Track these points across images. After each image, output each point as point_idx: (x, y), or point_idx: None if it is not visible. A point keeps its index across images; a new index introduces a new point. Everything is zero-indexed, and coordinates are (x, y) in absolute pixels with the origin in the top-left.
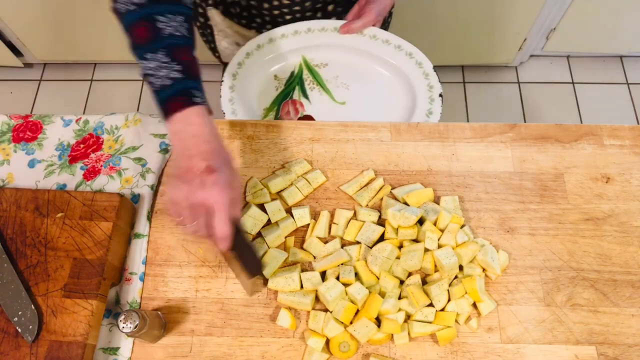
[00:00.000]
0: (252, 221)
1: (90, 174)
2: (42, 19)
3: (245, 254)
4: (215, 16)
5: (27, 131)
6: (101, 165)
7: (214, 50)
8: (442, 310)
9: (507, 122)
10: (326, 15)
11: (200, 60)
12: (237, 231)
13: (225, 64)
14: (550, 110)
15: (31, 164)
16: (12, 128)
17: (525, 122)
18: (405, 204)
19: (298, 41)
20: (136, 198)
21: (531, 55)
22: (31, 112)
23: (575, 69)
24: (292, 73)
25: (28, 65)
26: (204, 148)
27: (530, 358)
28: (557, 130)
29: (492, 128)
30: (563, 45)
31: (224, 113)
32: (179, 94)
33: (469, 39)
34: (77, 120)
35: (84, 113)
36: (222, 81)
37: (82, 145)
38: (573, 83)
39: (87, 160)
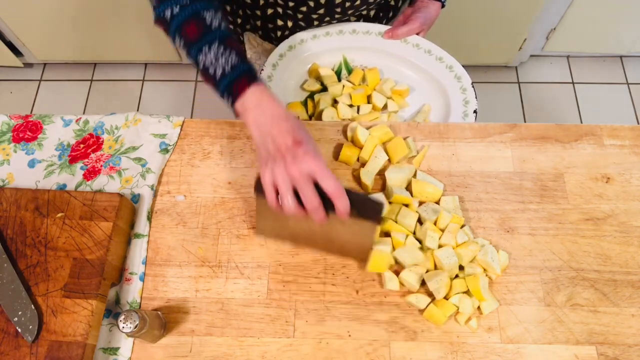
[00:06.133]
0: None
1: (90, 174)
2: (42, 19)
3: (362, 204)
4: (251, 40)
5: (27, 131)
6: (101, 165)
7: None
8: (446, 298)
9: (507, 122)
10: (368, 21)
11: None
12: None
13: None
14: (550, 110)
15: (31, 164)
16: (12, 128)
17: (525, 122)
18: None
19: (341, 40)
20: (136, 198)
21: (531, 55)
22: (31, 112)
23: (575, 69)
24: (332, 70)
25: (28, 65)
26: (285, 126)
27: (530, 358)
28: (557, 130)
29: (492, 128)
30: (563, 45)
31: None
32: (243, 74)
33: (469, 39)
34: (77, 120)
35: (84, 113)
36: (262, 69)
37: (82, 145)
38: (573, 83)
39: (87, 160)
